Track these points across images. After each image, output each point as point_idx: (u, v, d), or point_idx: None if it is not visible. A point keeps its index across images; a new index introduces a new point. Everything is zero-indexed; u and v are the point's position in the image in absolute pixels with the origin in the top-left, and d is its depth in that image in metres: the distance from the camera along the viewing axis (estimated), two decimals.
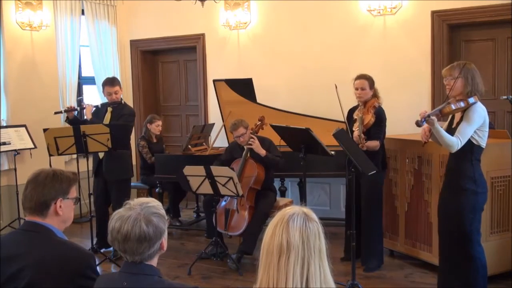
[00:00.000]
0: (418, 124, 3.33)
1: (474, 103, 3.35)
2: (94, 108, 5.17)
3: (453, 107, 3.34)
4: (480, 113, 3.35)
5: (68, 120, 5.05)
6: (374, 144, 4.28)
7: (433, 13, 5.50)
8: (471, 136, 3.36)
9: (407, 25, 5.65)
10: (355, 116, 4.40)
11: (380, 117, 4.34)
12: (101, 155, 5.02)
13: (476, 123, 3.34)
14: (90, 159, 4.94)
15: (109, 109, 5.10)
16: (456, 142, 3.32)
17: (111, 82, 5.12)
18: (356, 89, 4.41)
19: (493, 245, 4.11)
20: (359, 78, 4.41)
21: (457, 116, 3.48)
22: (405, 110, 5.39)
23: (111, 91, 5.06)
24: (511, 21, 5.12)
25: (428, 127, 3.44)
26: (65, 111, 5.04)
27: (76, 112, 5.22)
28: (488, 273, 4.07)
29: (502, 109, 5.44)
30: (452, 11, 5.43)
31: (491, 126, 4.76)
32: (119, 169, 5.07)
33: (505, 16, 5.14)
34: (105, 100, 5.31)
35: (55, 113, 5.21)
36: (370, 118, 4.29)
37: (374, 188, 4.44)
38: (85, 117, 5.16)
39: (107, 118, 5.07)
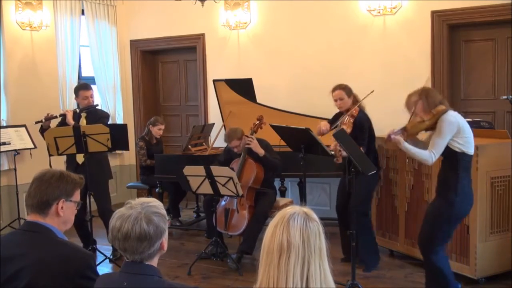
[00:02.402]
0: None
1: (444, 112, 3.33)
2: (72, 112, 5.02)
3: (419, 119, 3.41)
4: (450, 122, 3.28)
5: (41, 129, 4.87)
6: None
7: (433, 13, 5.50)
8: (451, 145, 3.31)
9: (407, 25, 5.65)
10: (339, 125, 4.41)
11: (360, 124, 4.33)
12: (80, 160, 4.91)
13: (447, 133, 3.29)
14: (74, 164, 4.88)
15: (83, 114, 5.03)
16: (430, 156, 3.33)
17: (85, 87, 5.08)
18: (335, 100, 4.46)
19: (493, 245, 4.11)
20: (335, 90, 4.46)
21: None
22: (405, 110, 5.36)
23: (88, 95, 5.01)
24: (511, 21, 5.12)
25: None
26: (45, 119, 4.89)
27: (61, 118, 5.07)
28: (488, 273, 4.10)
29: (502, 109, 5.44)
30: (452, 11, 5.43)
31: (490, 126, 4.80)
32: (102, 171, 5.09)
33: (505, 16, 5.14)
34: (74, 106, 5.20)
35: (36, 122, 5.00)
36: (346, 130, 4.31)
37: (363, 188, 4.33)
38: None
39: (83, 123, 4.98)
